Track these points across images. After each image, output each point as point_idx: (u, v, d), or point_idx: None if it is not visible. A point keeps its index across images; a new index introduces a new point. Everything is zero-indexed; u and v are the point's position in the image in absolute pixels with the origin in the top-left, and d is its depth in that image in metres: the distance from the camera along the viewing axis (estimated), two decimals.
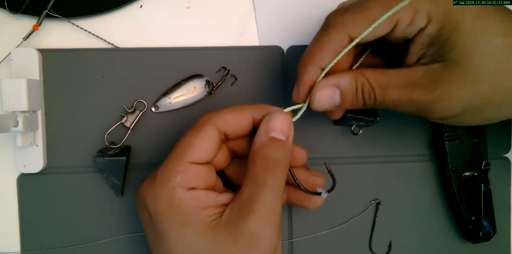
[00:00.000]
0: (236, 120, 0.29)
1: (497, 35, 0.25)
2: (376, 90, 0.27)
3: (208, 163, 0.29)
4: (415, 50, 0.27)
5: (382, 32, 0.27)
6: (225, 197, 0.28)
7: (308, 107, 0.30)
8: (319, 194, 0.30)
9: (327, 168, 0.32)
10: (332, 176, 0.31)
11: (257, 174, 0.27)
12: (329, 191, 0.31)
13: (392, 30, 0.27)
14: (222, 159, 0.31)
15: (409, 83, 0.26)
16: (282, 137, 0.28)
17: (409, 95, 0.26)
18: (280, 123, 0.28)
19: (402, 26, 0.26)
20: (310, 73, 0.29)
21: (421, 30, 0.26)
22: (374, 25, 0.26)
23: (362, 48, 0.31)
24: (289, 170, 0.30)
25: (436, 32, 0.25)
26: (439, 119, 0.28)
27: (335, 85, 0.28)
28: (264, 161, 0.27)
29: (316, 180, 0.32)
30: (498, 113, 0.27)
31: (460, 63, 0.25)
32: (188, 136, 0.28)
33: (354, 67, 0.31)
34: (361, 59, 0.31)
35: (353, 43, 0.27)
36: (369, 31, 0.26)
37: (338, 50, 0.28)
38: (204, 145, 0.28)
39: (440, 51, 0.26)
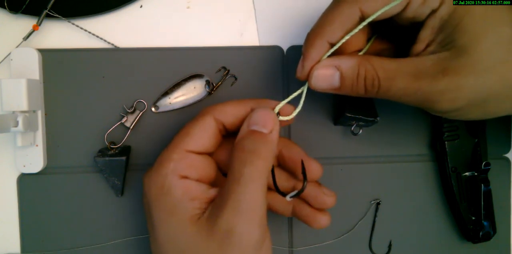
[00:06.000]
0: (234, 111, 0.29)
1: (505, 24, 0.24)
2: (382, 78, 0.26)
3: (206, 153, 0.29)
4: (425, 36, 0.26)
5: (395, 10, 0.26)
6: (213, 192, 0.27)
7: (311, 94, 0.28)
8: (285, 195, 0.29)
9: (302, 166, 0.30)
10: (304, 177, 0.29)
11: (233, 167, 0.26)
12: (296, 194, 0.29)
13: (404, 9, 0.26)
14: (228, 153, 0.30)
15: (417, 72, 0.25)
16: (263, 130, 0.27)
17: (416, 84, 0.25)
18: (261, 117, 0.27)
19: (414, 5, 0.25)
20: (318, 48, 0.27)
21: (433, 12, 0.25)
22: (390, 5, 0.25)
23: (369, 35, 0.31)
24: (272, 170, 0.29)
25: (447, 16, 0.25)
26: (442, 112, 0.27)
27: (336, 66, 0.27)
28: (241, 152, 0.26)
29: (326, 199, 0.31)
30: (501, 107, 0.26)
31: (468, 51, 0.24)
32: (186, 126, 0.29)
33: (361, 53, 0.30)
34: (367, 46, 0.30)
35: (368, 20, 0.26)
36: (382, 11, 0.25)
37: (349, 26, 0.27)
38: (200, 134, 0.28)
39: (450, 38, 0.25)
